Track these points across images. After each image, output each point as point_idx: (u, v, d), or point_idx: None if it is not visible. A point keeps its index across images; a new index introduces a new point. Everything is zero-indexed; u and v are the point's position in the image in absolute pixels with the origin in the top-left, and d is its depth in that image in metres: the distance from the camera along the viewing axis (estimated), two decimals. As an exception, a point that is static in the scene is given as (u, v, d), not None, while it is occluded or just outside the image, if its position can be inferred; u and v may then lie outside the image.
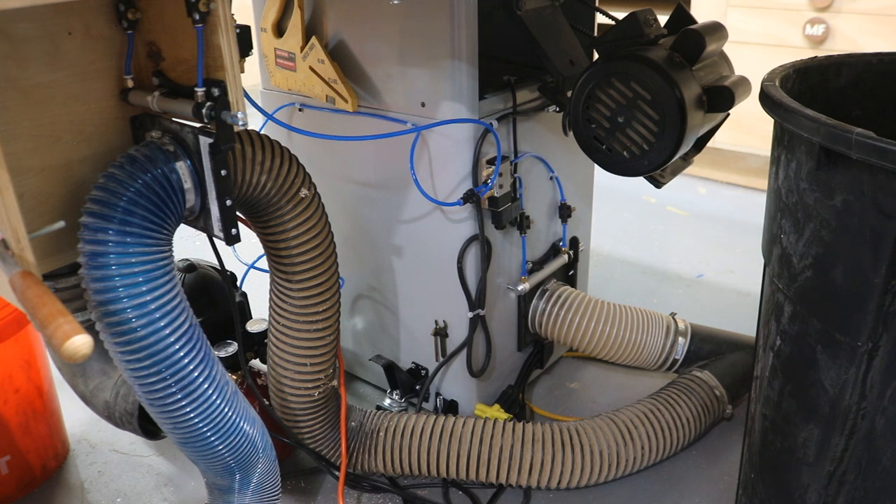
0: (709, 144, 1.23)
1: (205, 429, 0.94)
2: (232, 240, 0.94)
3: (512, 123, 1.28)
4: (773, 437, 0.92)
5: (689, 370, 1.46)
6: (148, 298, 0.86)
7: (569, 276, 1.55)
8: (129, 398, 1.16)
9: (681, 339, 1.46)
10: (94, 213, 0.84)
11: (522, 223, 1.35)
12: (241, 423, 0.98)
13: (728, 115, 1.18)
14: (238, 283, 1.45)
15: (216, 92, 0.87)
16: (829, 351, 0.78)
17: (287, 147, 1.05)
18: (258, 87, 1.47)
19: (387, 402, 1.47)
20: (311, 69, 1.30)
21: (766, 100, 0.84)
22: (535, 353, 1.54)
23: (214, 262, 1.26)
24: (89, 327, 0.82)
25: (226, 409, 0.95)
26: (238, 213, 1.01)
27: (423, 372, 1.47)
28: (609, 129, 1.09)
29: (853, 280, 0.73)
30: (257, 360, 1.37)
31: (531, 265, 1.43)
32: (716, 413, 1.41)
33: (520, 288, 1.39)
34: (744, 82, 1.14)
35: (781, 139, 0.84)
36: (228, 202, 0.92)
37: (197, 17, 0.83)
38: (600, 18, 1.41)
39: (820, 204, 0.76)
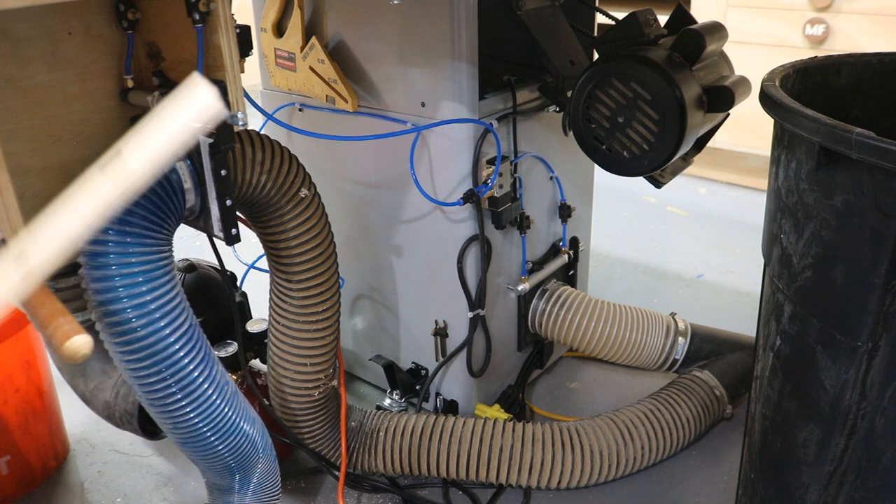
0: (709, 144, 1.23)
1: (205, 429, 0.94)
2: (232, 240, 0.94)
3: (512, 123, 1.28)
4: (773, 437, 0.92)
5: (689, 370, 1.46)
6: (148, 298, 0.86)
7: (569, 276, 1.55)
8: (129, 398, 1.16)
9: (681, 339, 1.46)
10: (94, 213, 0.84)
11: (522, 223, 1.35)
12: (241, 423, 0.98)
13: (728, 115, 1.18)
14: (238, 283, 1.45)
15: (216, 92, 0.87)
16: (829, 351, 0.78)
17: (287, 147, 1.05)
18: (258, 87, 1.47)
19: (387, 402, 1.47)
20: (311, 69, 1.30)
21: (766, 100, 0.84)
22: (535, 353, 1.54)
23: (214, 262, 1.26)
24: (89, 327, 0.82)
25: (226, 409, 0.95)
26: (238, 213, 1.01)
27: (423, 372, 1.47)
28: (609, 129, 1.09)
29: (853, 280, 0.73)
30: (257, 360, 1.37)
31: (531, 265, 1.43)
32: (716, 413, 1.41)
33: (520, 288, 1.39)
34: (744, 82, 1.14)
35: (781, 139, 0.84)
36: (228, 202, 0.92)
37: (197, 17, 0.83)
38: (600, 18, 1.41)
39: (820, 204, 0.76)
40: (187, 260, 1.40)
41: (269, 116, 1.41)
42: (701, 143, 1.20)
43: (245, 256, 1.55)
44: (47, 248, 0.35)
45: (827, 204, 0.74)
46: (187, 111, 0.38)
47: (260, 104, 1.39)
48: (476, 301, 1.31)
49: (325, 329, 1.15)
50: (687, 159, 1.23)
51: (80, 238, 0.39)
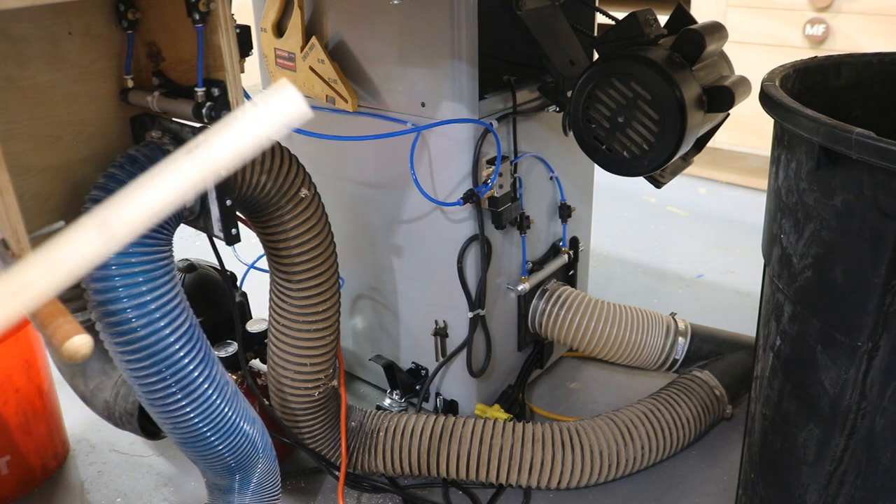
0: (709, 144, 1.23)
1: (205, 429, 0.94)
2: (232, 240, 0.94)
3: (512, 123, 1.28)
4: (773, 437, 0.92)
5: (689, 370, 1.46)
6: (148, 298, 0.86)
7: (569, 276, 1.55)
8: (129, 398, 1.16)
9: (681, 339, 1.46)
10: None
11: (522, 223, 1.35)
12: (241, 423, 0.98)
13: (728, 115, 1.18)
14: (238, 283, 1.45)
15: (216, 92, 0.87)
16: (829, 351, 0.78)
17: (287, 147, 1.05)
18: (258, 87, 1.47)
19: (387, 402, 1.47)
20: (311, 69, 1.30)
21: (766, 100, 0.84)
22: (535, 353, 1.54)
23: (214, 262, 1.26)
24: (89, 327, 0.82)
25: (226, 409, 0.95)
26: (238, 213, 1.01)
27: (423, 372, 1.47)
28: (609, 129, 1.09)
29: (853, 280, 0.73)
30: (257, 360, 1.37)
31: (531, 265, 1.43)
32: (716, 413, 1.41)
33: (520, 288, 1.39)
34: (744, 82, 1.14)
35: (781, 139, 0.84)
36: (228, 202, 0.92)
37: (197, 17, 0.83)
38: (600, 18, 1.41)
39: (820, 204, 0.76)
40: (187, 260, 1.40)
41: (269, 116, 1.41)
42: (701, 143, 1.20)
43: (245, 256, 1.55)
44: (129, 218, 0.36)
45: (827, 204, 0.74)
46: (274, 111, 0.39)
47: (260, 104, 1.39)
48: (476, 301, 1.31)
49: (325, 329, 1.15)
50: (687, 159, 1.23)
51: (162, 213, 0.41)
